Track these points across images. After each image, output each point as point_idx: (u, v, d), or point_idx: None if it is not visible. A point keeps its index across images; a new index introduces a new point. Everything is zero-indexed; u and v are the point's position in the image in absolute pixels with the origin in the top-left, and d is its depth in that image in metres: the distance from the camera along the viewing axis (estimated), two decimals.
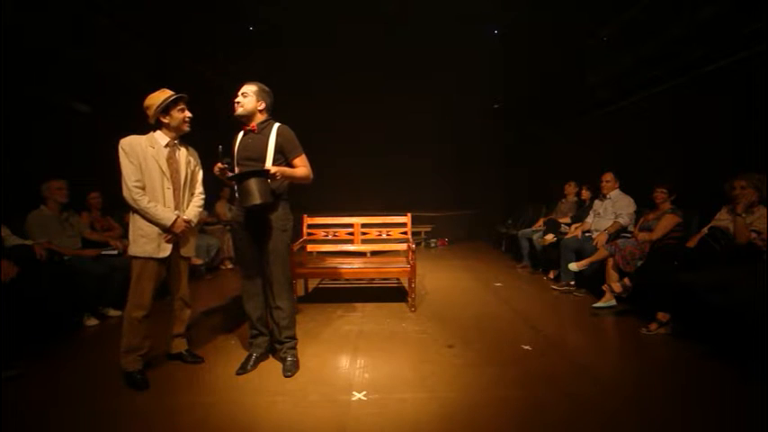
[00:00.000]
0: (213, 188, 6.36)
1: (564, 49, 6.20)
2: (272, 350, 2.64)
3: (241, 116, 2.42)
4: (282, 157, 2.40)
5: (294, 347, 2.56)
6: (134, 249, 2.31)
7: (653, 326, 3.01)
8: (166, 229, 2.33)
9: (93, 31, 4.52)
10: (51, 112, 4.07)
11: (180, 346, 2.62)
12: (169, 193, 2.37)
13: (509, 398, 2.17)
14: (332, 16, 7.15)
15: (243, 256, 2.53)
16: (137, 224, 2.31)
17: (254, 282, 2.52)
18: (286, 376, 2.41)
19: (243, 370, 2.47)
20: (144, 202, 2.26)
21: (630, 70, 4.80)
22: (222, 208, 6.56)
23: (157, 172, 2.33)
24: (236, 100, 2.41)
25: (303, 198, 7.96)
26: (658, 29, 4.31)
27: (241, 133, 2.49)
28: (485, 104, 8.78)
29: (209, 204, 6.17)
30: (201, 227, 5.52)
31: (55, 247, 3.28)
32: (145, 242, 2.30)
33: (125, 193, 2.26)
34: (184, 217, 2.43)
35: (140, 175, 2.28)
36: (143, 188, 2.28)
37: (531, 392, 2.23)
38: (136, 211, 2.30)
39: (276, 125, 2.44)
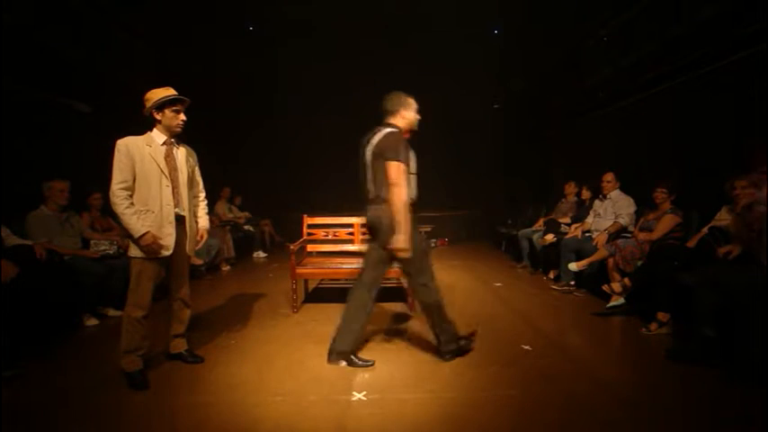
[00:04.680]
0: (213, 188, 6.36)
1: (564, 49, 6.20)
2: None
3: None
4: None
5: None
6: (134, 250, 2.30)
7: (653, 326, 3.01)
8: (134, 240, 2.27)
9: (93, 31, 4.52)
10: (51, 113, 4.07)
11: (180, 346, 2.62)
12: (167, 191, 2.36)
13: (509, 397, 2.17)
14: (331, 16, 7.15)
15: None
16: None
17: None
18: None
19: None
20: (122, 206, 2.23)
21: (630, 70, 4.80)
22: (222, 208, 6.56)
23: (155, 170, 2.33)
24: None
25: (303, 198, 7.99)
26: (658, 29, 4.31)
27: None
28: (485, 104, 8.79)
29: (208, 204, 6.18)
30: None
31: (55, 247, 3.27)
32: None
33: (111, 196, 2.24)
34: (203, 224, 2.62)
35: (129, 178, 2.26)
36: (127, 189, 2.26)
37: (531, 392, 2.23)
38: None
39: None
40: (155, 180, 2.33)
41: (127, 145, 2.27)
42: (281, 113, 8.57)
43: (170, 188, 2.37)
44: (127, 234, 2.31)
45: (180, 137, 2.48)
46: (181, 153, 2.47)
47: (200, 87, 6.46)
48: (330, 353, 2.58)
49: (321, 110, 8.49)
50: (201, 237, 2.64)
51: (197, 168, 2.62)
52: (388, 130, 2.44)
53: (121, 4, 4.83)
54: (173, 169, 2.40)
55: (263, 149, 8.53)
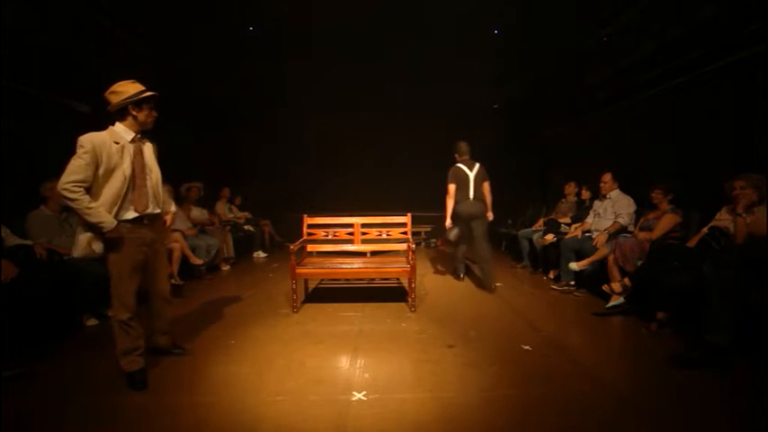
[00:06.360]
0: (213, 188, 6.35)
1: (564, 49, 6.20)
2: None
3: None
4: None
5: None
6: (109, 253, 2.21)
7: (653, 326, 3.01)
8: (100, 233, 2.15)
9: (93, 31, 4.52)
10: (51, 112, 4.07)
11: (164, 342, 2.64)
12: (140, 189, 2.28)
13: (509, 397, 2.17)
14: (331, 16, 7.14)
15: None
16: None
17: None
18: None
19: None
20: (86, 201, 2.08)
21: (630, 70, 4.80)
22: (222, 208, 6.56)
23: (126, 168, 2.22)
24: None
25: (303, 198, 8.00)
26: (658, 29, 4.31)
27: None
28: (485, 104, 8.78)
29: (209, 204, 6.18)
30: (201, 227, 5.51)
31: (55, 247, 3.28)
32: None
33: (60, 190, 2.07)
34: (172, 209, 2.62)
35: (89, 178, 2.11)
36: (85, 188, 2.11)
37: (531, 392, 2.23)
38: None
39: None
40: (125, 179, 2.21)
41: (93, 142, 2.12)
42: (281, 114, 8.57)
43: (142, 186, 2.28)
44: (98, 236, 2.17)
45: (147, 132, 2.39)
46: (148, 148, 2.39)
47: (200, 87, 6.50)
48: (489, 287, 4.28)
49: (321, 110, 8.49)
50: (166, 222, 2.57)
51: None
52: (478, 164, 4.48)
53: (121, 4, 4.83)
54: (143, 166, 2.30)
55: (263, 150, 8.52)
